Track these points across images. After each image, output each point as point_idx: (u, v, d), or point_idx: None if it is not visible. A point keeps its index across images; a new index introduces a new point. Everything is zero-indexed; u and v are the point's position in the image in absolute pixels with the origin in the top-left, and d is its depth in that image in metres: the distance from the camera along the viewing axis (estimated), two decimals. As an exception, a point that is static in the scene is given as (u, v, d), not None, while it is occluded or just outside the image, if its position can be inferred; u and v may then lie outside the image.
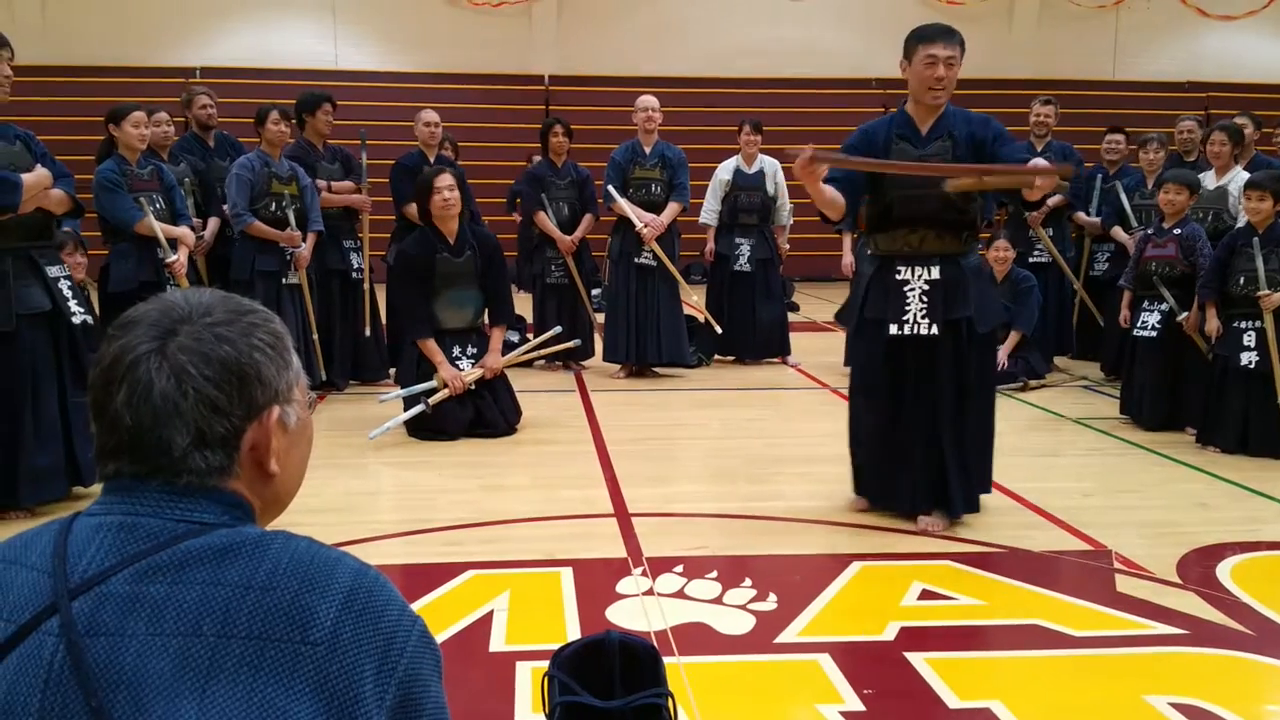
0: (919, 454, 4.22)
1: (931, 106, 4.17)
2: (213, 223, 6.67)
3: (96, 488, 4.45)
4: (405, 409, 5.71)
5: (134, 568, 1.04)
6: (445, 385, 5.68)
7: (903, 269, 4.18)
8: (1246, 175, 6.55)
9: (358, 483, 4.91)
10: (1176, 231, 6.02)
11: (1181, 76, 15.72)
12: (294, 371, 1.18)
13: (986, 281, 4.41)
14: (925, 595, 3.49)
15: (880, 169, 4.12)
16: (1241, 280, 5.49)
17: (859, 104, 13.62)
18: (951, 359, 4.17)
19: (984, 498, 4.31)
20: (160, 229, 5.66)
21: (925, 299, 4.14)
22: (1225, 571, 3.74)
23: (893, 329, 4.17)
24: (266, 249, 6.39)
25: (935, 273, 4.14)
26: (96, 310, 5.43)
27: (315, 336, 6.58)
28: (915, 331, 4.15)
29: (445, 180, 5.76)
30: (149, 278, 5.77)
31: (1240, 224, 6.18)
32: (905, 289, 4.17)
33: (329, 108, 7.01)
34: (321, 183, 6.92)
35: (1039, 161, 4.08)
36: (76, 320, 4.49)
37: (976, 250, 4.37)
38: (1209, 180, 6.70)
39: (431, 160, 7.35)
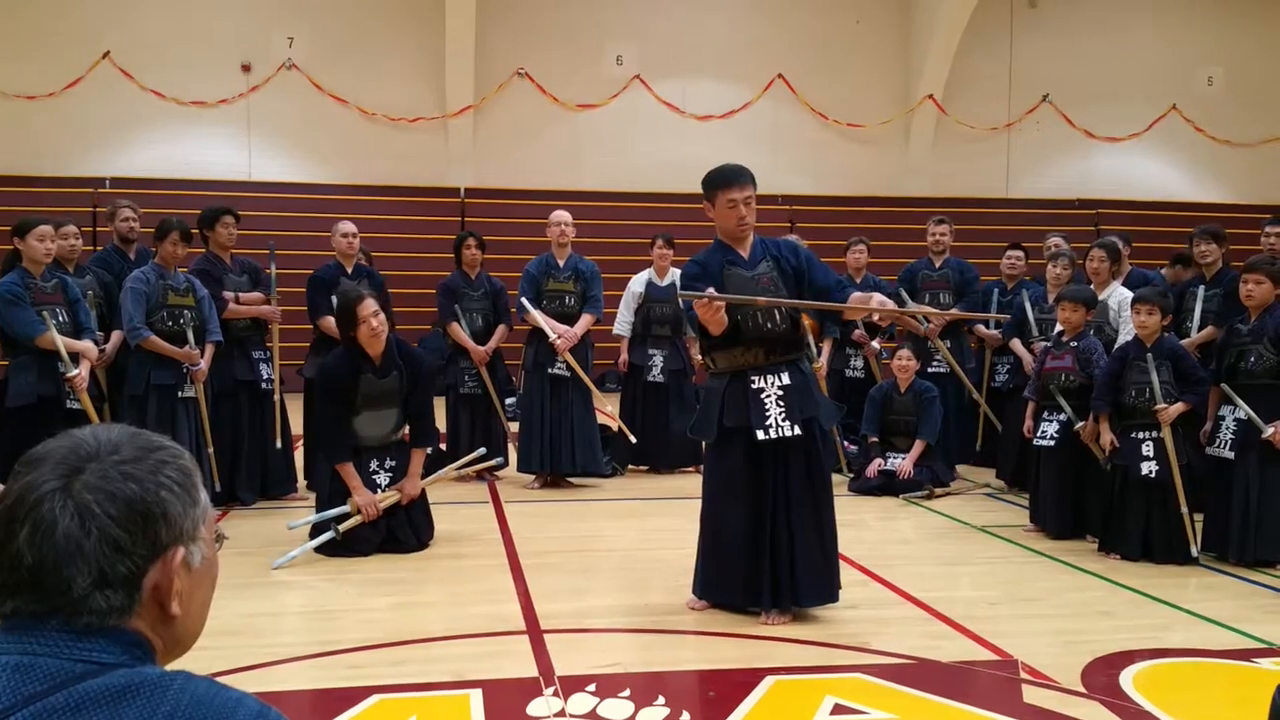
0: (780, 550, 4.43)
1: (741, 238, 4.55)
2: (115, 335, 6.54)
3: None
4: (314, 534, 5.55)
5: (30, 709, 1.01)
6: (359, 511, 5.55)
7: (755, 378, 4.42)
8: (1125, 290, 6.86)
9: (260, 603, 4.76)
10: (1073, 344, 6.25)
11: (1072, 194, 16.48)
12: (201, 509, 1.17)
13: (815, 385, 4.75)
14: (838, 710, 3.48)
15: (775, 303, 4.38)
16: (1134, 393, 5.70)
17: (766, 219, 13.72)
18: (804, 456, 4.45)
19: (895, 605, 4.33)
20: (62, 343, 5.55)
21: (781, 403, 4.39)
22: (1129, 679, 3.80)
23: (760, 434, 4.37)
24: (162, 362, 6.27)
25: (786, 378, 4.43)
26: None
27: (210, 450, 6.44)
28: (780, 434, 4.38)
29: (369, 308, 5.51)
30: (49, 391, 5.64)
31: (1123, 337, 6.44)
32: (762, 396, 4.40)
33: (229, 220, 6.94)
34: (229, 294, 6.86)
35: (879, 298, 4.40)
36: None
37: (803, 362, 4.66)
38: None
39: (349, 270, 7.34)
